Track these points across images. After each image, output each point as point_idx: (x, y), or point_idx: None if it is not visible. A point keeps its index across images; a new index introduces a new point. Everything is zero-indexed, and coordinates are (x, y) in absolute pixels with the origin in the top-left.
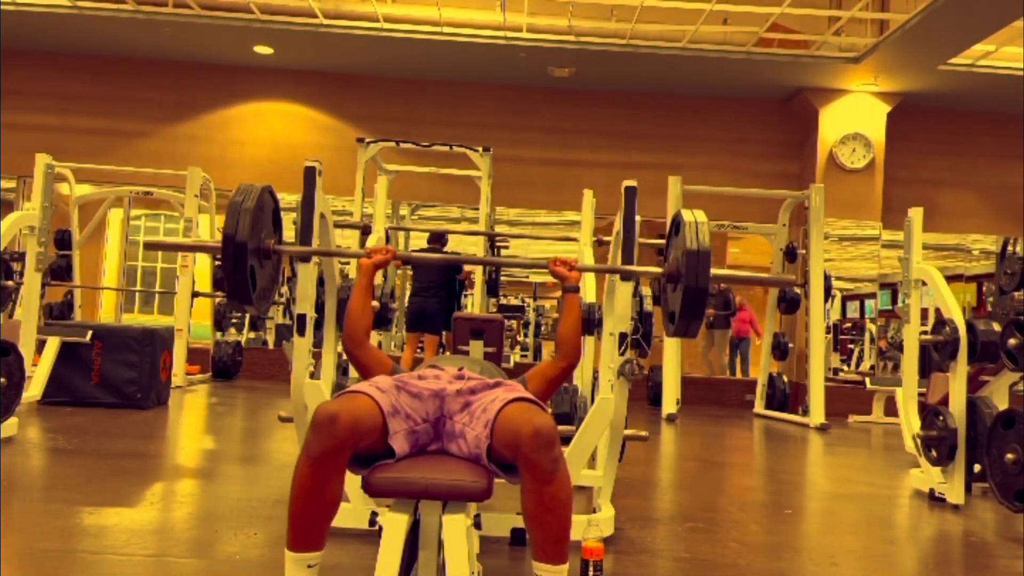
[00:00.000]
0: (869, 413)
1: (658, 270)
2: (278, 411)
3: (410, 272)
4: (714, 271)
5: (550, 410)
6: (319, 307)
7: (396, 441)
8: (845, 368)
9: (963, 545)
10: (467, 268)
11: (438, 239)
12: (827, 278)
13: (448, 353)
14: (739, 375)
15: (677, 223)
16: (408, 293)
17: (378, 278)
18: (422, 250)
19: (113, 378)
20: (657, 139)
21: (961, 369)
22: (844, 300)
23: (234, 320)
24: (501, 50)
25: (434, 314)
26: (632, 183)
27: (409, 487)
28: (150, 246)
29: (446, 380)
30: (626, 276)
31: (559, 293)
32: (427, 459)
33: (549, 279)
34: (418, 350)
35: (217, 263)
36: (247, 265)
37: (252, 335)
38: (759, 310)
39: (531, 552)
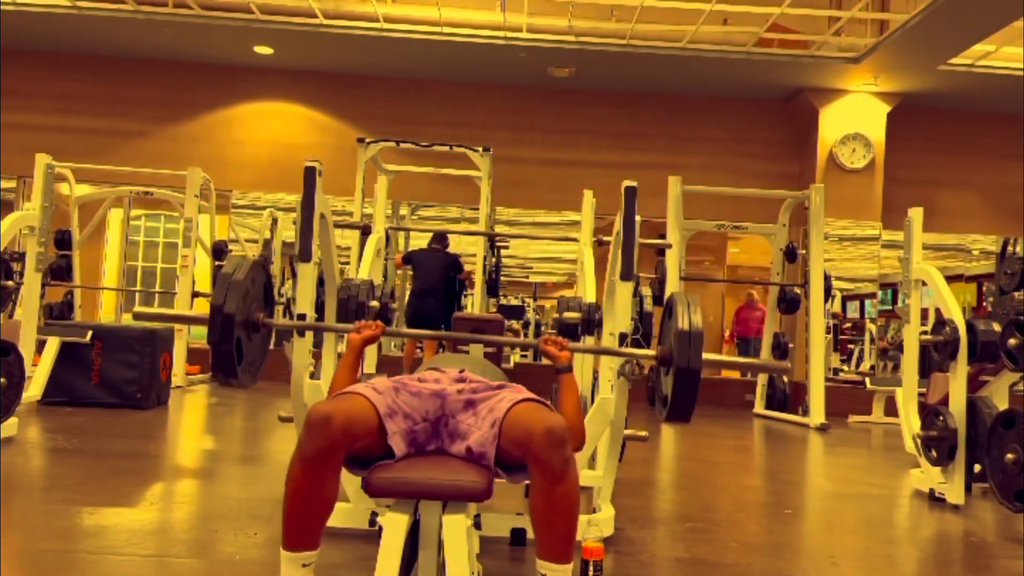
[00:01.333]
0: (869, 413)
1: (651, 353)
2: (278, 411)
3: (410, 272)
4: (706, 355)
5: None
6: (319, 307)
7: (394, 441)
8: (845, 368)
9: (963, 545)
10: (468, 268)
11: (440, 239)
12: (827, 278)
13: (447, 353)
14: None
15: (671, 306)
16: (408, 293)
17: (378, 278)
18: (423, 251)
19: (113, 378)
20: (657, 139)
21: (961, 369)
22: (844, 300)
23: None
24: (501, 50)
25: (432, 315)
26: (632, 183)
27: (409, 487)
28: (139, 316)
29: (447, 382)
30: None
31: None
32: (427, 459)
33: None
34: (418, 349)
35: (218, 264)
36: (234, 338)
37: None
38: None
39: (536, 550)
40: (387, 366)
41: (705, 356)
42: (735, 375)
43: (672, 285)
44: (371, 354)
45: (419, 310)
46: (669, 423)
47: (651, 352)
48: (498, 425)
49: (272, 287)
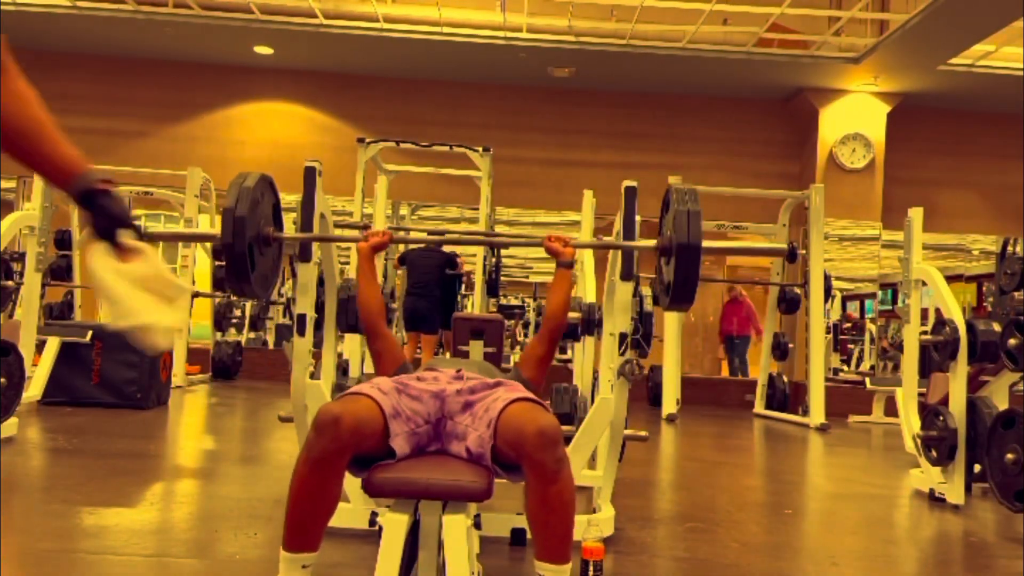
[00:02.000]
0: (869, 413)
1: (651, 243)
2: (278, 411)
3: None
4: (706, 242)
5: (551, 410)
6: (319, 307)
7: (397, 443)
8: (845, 368)
9: (963, 545)
10: (465, 266)
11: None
12: (827, 278)
13: (448, 355)
14: (739, 375)
15: (667, 198)
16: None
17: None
18: (417, 251)
19: (113, 378)
20: (657, 139)
21: (961, 369)
22: (844, 300)
23: (234, 320)
24: (501, 50)
25: (426, 314)
26: (632, 183)
27: (409, 487)
28: (151, 237)
29: (445, 381)
30: (626, 262)
31: None
32: (427, 459)
33: (549, 279)
34: (417, 349)
35: (218, 264)
36: (247, 239)
37: (252, 335)
38: (759, 310)
39: (534, 551)
40: None
41: (705, 243)
42: (735, 376)
43: None
44: None
45: (413, 310)
46: (672, 309)
47: (652, 243)
48: (493, 425)
49: (280, 205)
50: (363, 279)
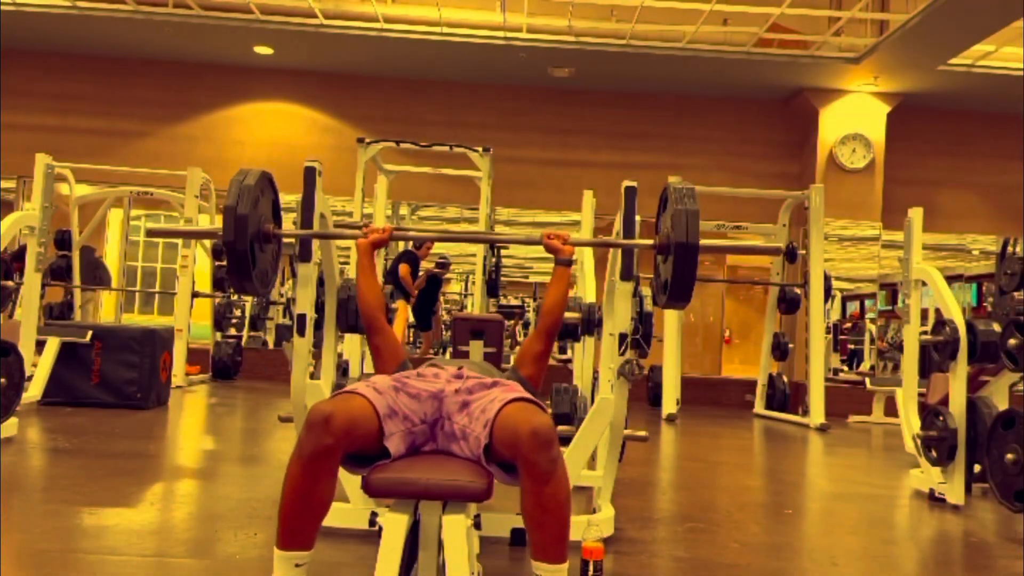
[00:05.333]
0: (869, 413)
1: (649, 242)
2: (278, 411)
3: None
4: (704, 241)
5: (550, 410)
6: (319, 307)
7: (392, 442)
8: (845, 368)
9: (963, 545)
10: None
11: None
12: (827, 278)
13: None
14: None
15: (665, 196)
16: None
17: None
18: (405, 252)
19: (113, 378)
20: (657, 139)
21: (961, 369)
22: (844, 300)
23: (234, 320)
24: (501, 50)
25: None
26: (632, 183)
27: (409, 487)
28: (152, 233)
29: (444, 380)
30: (626, 262)
31: None
32: (427, 459)
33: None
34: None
35: (218, 264)
36: (248, 237)
37: (252, 335)
38: (759, 310)
39: (530, 551)
40: None
41: (703, 241)
42: (735, 376)
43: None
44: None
45: None
46: (669, 307)
47: (649, 241)
48: (490, 426)
49: (279, 202)
50: (362, 274)
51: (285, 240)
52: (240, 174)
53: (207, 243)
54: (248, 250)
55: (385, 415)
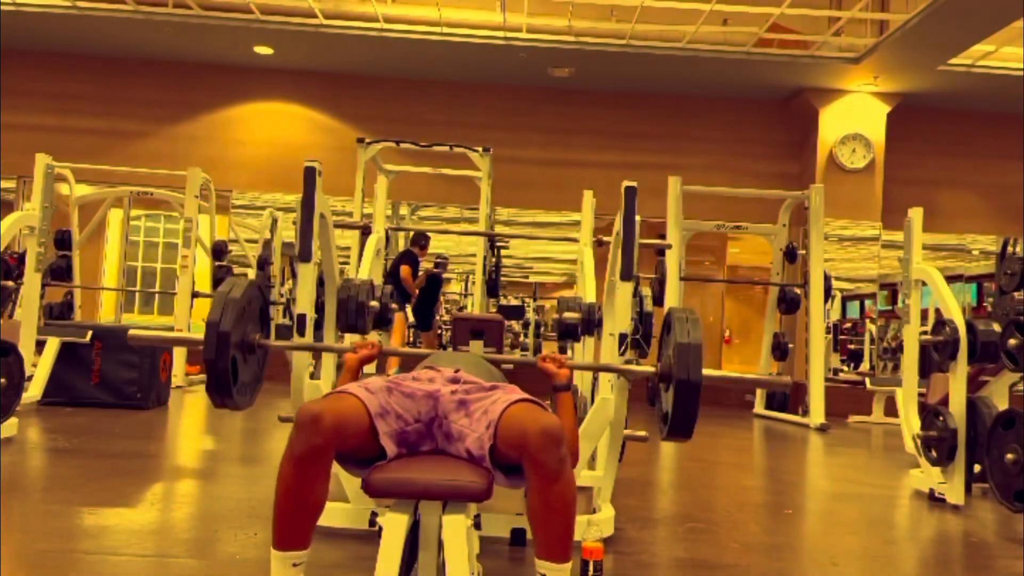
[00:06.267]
0: (869, 413)
1: (650, 369)
2: (278, 411)
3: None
4: (707, 372)
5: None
6: (319, 307)
7: (385, 442)
8: (845, 368)
9: (963, 545)
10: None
11: (416, 240)
12: (827, 278)
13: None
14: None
15: (669, 321)
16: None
17: (378, 278)
18: (405, 252)
19: (113, 378)
20: (657, 139)
21: (961, 369)
22: (844, 300)
23: None
24: (501, 50)
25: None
26: (632, 183)
27: (409, 487)
28: (135, 339)
29: (440, 382)
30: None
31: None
32: (426, 459)
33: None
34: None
35: (218, 264)
36: (229, 356)
37: None
38: (759, 310)
39: (535, 550)
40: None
41: (705, 372)
42: (736, 376)
43: (672, 285)
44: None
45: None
46: (670, 440)
47: (651, 369)
48: (493, 427)
49: (268, 309)
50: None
51: (285, 243)
52: (227, 284)
53: (207, 243)
54: (229, 368)
55: (377, 414)
